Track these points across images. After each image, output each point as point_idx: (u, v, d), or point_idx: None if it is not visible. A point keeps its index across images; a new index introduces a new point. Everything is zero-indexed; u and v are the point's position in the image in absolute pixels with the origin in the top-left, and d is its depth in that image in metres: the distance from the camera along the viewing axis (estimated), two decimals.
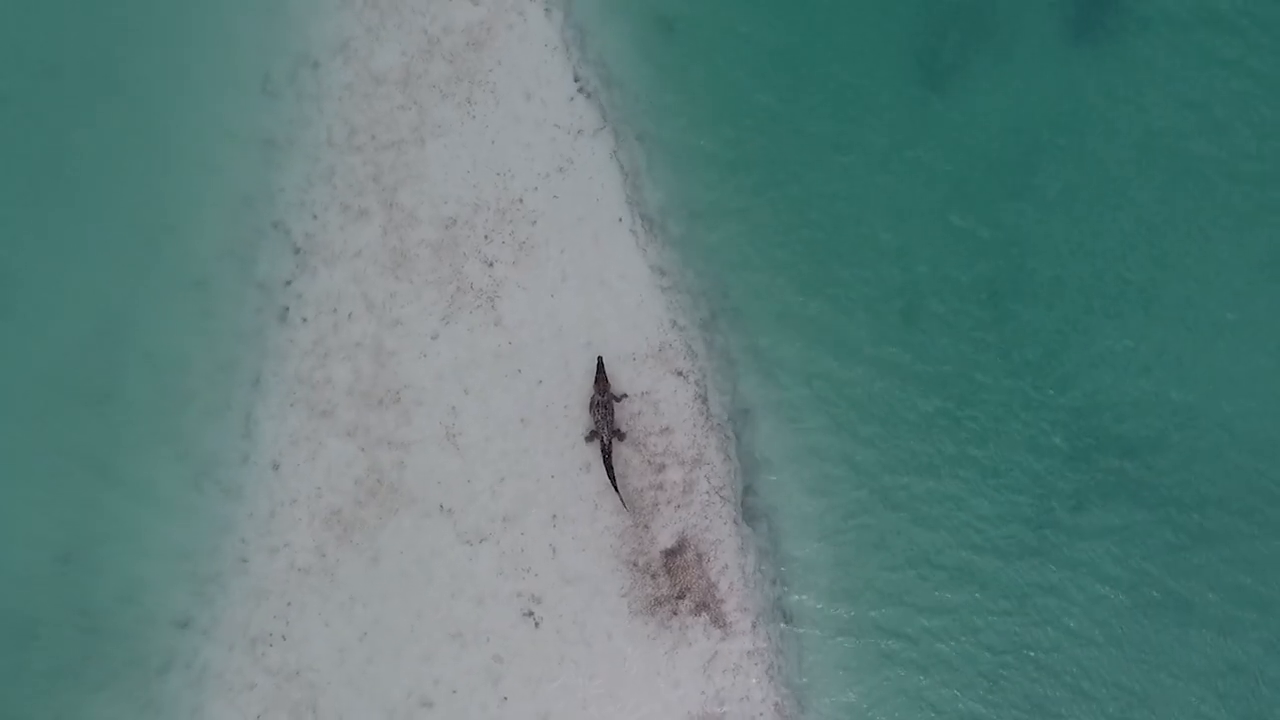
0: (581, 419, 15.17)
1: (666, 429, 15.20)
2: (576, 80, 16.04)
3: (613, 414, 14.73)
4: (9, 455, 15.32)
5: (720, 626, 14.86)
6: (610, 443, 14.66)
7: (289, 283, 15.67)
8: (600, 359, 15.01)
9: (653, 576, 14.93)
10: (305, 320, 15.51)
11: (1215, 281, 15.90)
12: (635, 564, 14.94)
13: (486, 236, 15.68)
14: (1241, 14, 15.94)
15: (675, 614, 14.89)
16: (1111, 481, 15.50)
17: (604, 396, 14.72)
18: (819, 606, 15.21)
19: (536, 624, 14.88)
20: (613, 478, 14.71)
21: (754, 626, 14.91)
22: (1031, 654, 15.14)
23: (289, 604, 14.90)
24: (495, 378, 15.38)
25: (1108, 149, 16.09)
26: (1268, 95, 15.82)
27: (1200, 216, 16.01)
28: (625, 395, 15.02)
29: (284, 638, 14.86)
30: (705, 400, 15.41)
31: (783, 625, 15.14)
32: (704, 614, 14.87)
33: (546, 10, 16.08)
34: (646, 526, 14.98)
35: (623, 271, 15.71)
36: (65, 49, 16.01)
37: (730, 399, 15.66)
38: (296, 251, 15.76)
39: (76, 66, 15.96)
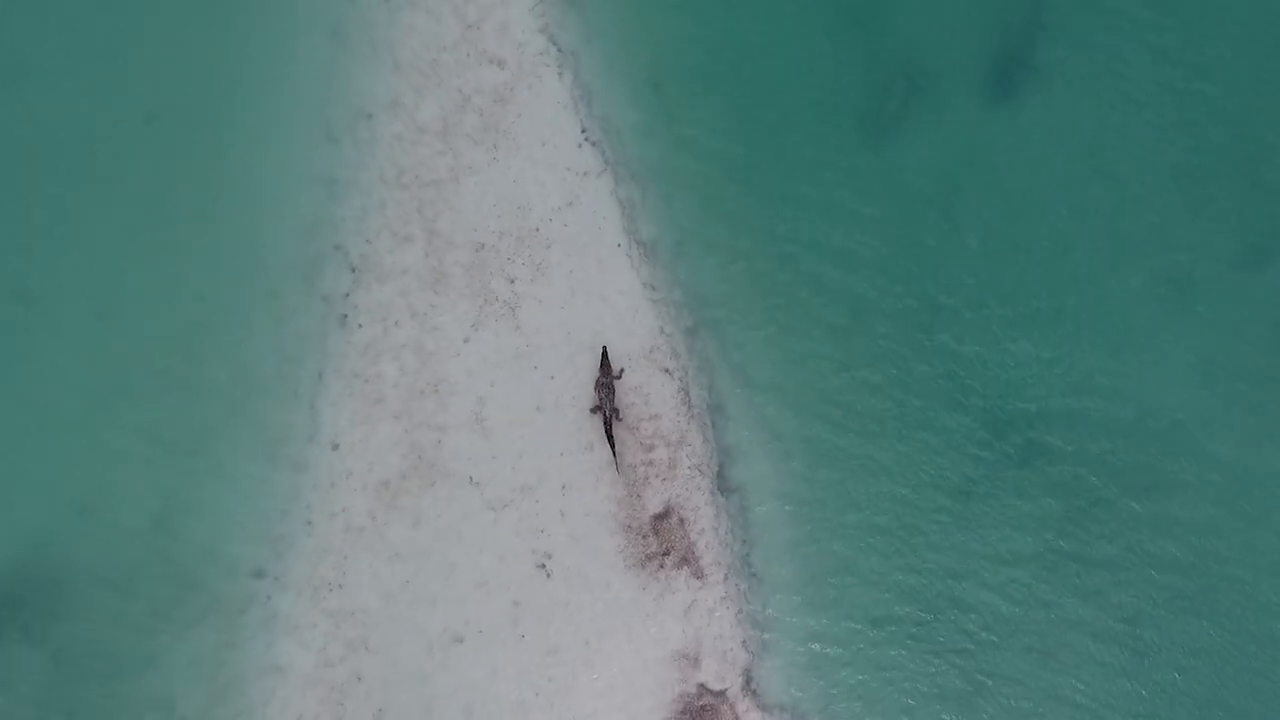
0: (586, 406, 17.62)
1: (655, 416, 17.87)
2: (583, 131, 18.36)
3: (614, 393, 17.40)
4: (111, 435, 17.46)
5: (699, 578, 17.50)
6: (610, 416, 17.33)
7: (347, 295, 17.81)
8: (605, 348, 17.53)
9: (643, 537, 17.53)
10: (360, 326, 17.75)
11: (1107, 302, 18.59)
12: (629, 526, 17.55)
13: (509, 258, 18.03)
14: (1122, 81, 18.87)
15: (662, 568, 17.46)
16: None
17: (607, 379, 17.33)
18: (779, 562, 17.88)
19: (548, 575, 17.36)
20: (612, 444, 17.34)
21: (726, 578, 17.55)
22: (954, 578, 17.93)
23: (345, 558, 17.23)
24: (516, 373, 17.76)
25: (1018, 191, 18.74)
26: (1142, 148, 18.78)
27: (1095, 248, 18.66)
28: (624, 369, 17.62)
29: (341, 585, 17.18)
30: (687, 393, 17.98)
31: (750, 577, 17.77)
32: (685, 568, 17.50)
33: (559, 74, 18.38)
34: (638, 495, 17.64)
35: (620, 287, 18.09)
36: (164, 99, 18.07)
37: (707, 393, 18.16)
38: (353, 270, 17.89)
39: (173, 114, 18.04)
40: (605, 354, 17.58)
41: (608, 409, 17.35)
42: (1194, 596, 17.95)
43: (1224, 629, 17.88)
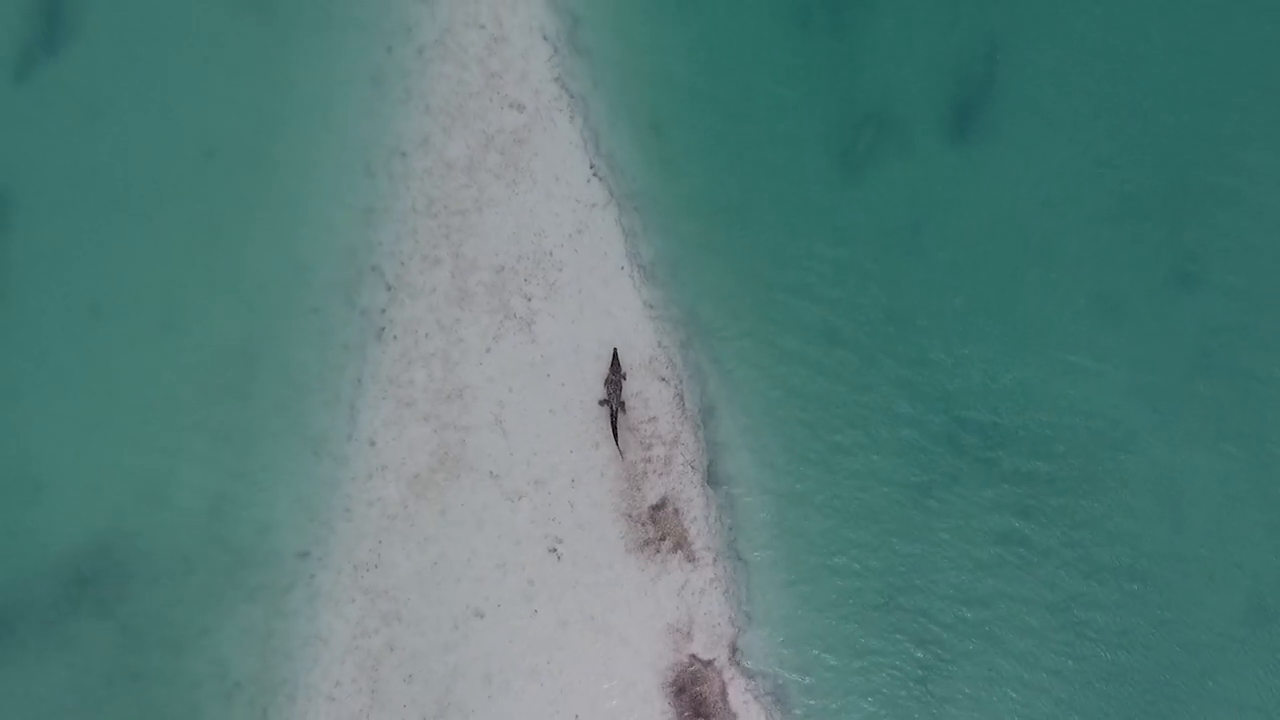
0: (593, 410, 19.54)
1: (653, 418, 19.89)
2: (591, 167, 20.31)
3: (620, 390, 19.49)
4: (173, 433, 19.39)
5: (691, 561, 19.49)
6: (616, 408, 19.40)
7: (383, 310, 19.71)
8: (615, 350, 19.56)
9: (642, 524, 19.53)
10: (395, 338, 19.67)
11: (1053, 322, 20.44)
12: (630, 515, 19.56)
13: (526, 279, 19.99)
14: (1065, 127, 20.86)
15: (658, 552, 19.44)
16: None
17: (616, 376, 19.40)
18: (762, 547, 19.81)
19: (559, 558, 19.29)
20: (616, 433, 19.40)
21: (715, 561, 19.54)
22: (919, 583, 19.84)
23: (380, 541, 19.15)
24: (531, 380, 19.73)
25: (973, 225, 20.67)
26: (1082, 186, 20.76)
27: (1041, 276, 20.52)
28: (626, 372, 19.48)
29: (377, 566, 19.08)
30: (682, 398, 19.98)
31: (736, 561, 19.71)
32: (679, 552, 19.49)
33: (570, 118, 20.36)
34: (638, 488, 19.68)
35: (623, 305, 20.04)
36: (223, 137, 20.11)
37: (700, 398, 20.11)
38: (388, 288, 19.76)
39: (231, 150, 20.05)
40: (615, 355, 19.71)
41: (614, 403, 19.50)
42: (1123, 605, 19.72)
43: (1152, 632, 19.64)
